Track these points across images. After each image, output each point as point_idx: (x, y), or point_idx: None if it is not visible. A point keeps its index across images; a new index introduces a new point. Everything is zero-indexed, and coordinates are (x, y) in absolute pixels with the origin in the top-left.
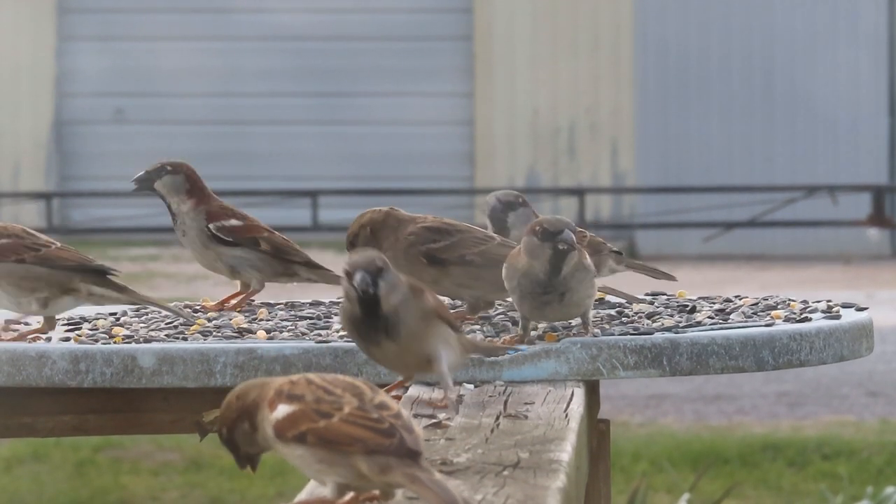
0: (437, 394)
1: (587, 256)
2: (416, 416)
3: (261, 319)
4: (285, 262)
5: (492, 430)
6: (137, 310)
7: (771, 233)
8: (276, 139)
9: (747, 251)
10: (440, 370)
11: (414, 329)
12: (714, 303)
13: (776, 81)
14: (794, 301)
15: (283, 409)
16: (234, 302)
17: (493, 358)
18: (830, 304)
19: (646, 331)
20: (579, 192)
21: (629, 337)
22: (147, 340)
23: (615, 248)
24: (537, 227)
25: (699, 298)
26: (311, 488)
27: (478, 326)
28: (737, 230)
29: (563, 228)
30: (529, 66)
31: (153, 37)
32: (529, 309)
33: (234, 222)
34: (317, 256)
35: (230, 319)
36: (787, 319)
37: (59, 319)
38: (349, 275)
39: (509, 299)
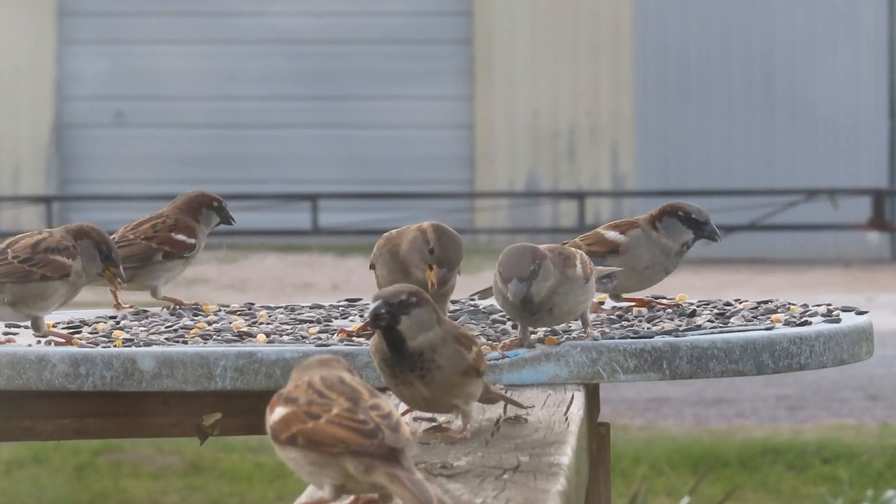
0: (456, 426)
1: (576, 265)
2: (416, 419)
3: (261, 323)
4: None
5: (492, 434)
6: (137, 313)
7: (771, 236)
8: (276, 143)
9: (747, 255)
10: (464, 410)
11: (451, 381)
12: (714, 306)
13: (776, 84)
14: (794, 305)
15: (278, 412)
16: None
17: (493, 362)
18: (830, 307)
19: (646, 334)
20: (579, 196)
21: (629, 340)
22: (147, 344)
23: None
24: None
25: (699, 302)
26: (311, 491)
27: (480, 327)
28: (737, 233)
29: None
30: (529, 70)
31: (153, 40)
32: (521, 323)
33: None
34: (317, 260)
35: (230, 323)
36: (787, 323)
37: (59, 322)
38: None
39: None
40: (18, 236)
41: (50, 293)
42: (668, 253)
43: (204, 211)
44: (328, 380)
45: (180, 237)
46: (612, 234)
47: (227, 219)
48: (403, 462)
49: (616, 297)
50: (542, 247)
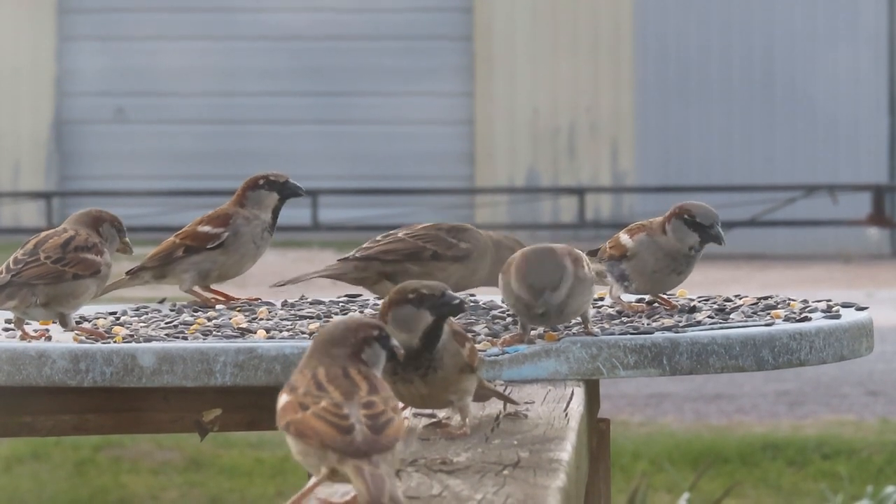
0: (455, 422)
1: (585, 266)
2: (416, 415)
3: (261, 319)
4: None
5: (492, 430)
6: (137, 309)
7: (771, 232)
8: (275, 139)
9: (747, 250)
10: (460, 406)
11: (449, 379)
12: (714, 302)
13: (776, 81)
14: (794, 300)
15: (283, 399)
16: None
17: (492, 358)
18: (830, 303)
19: (646, 330)
20: (579, 192)
21: (629, 336)
22: (147, 340)
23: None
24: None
25: (699, 298)
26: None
27: (481, 323)
28: (737, 229)
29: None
30: (529, 66)
31: (153, 36)
32: (526, 321)
33: None
34: (317, 256)
35: (230, 319)
36: (787, 319)
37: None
38: (433, 296)
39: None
40: (44, 235)
41: (81, 291)
42: (675, 256)
43: (249, 194)
44: (332, 373)
45: (205, 229)
46: (624, 239)
47: (286, 191)
48: (374, 458)
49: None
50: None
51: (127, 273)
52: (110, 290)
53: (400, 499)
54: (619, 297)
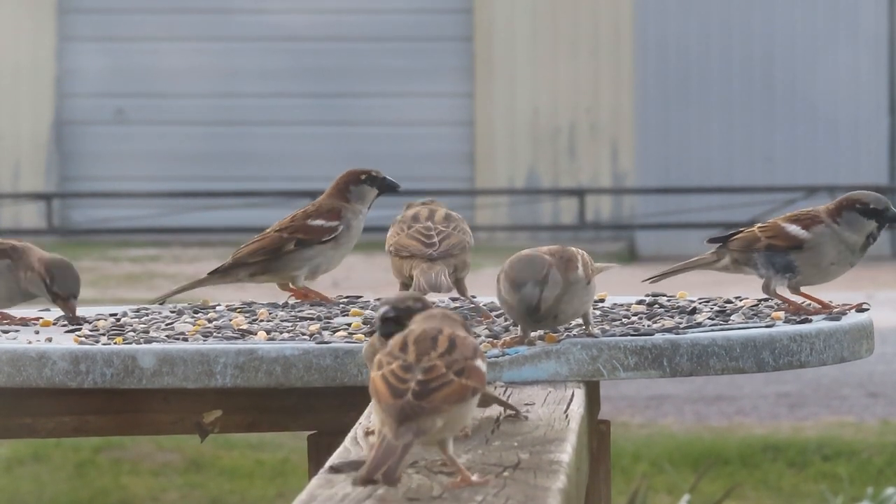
0: None
1: (577, 267)
2: None
3: (261, 320)
4: None
5: (492, 431)
6: (138, 310)
7: None
8: (276, 140)
9: None
10: None
11: None
12: (715, 304)
13: (776, 82)
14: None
15: (378, 356)
16: None
17: (493, 359)
18: (831, 304)
19: (646, 332)
20: (579, 193)
21: (629, 338)
22: (147, 341)
23: None
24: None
25: (699, 299)
26: (312, 489)
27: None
28: None
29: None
30: (529, 67)
31: (153, 37)
32: (526, 326)
33: None
34: None
35: (230, 320)
36: (787, 320)
37: (60, 318)
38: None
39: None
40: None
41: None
42: (854, 248)
43: (352, 189)
44: (426, 333)
45: (317, 222)
46: (794, 229)
47: (385, 186)
48: (412, 424)
49: (795, 289)
50: (544, 249)
51: (211, 273)
52: (185, 290)
53: (394, 478)
54: (775, 291)
